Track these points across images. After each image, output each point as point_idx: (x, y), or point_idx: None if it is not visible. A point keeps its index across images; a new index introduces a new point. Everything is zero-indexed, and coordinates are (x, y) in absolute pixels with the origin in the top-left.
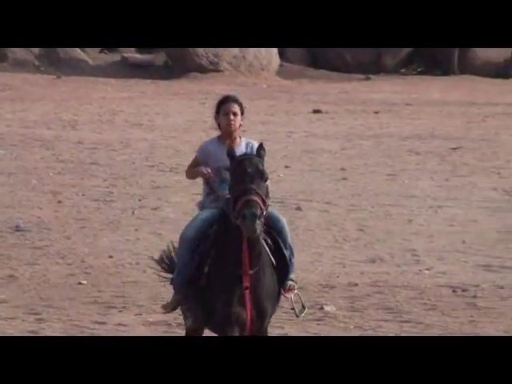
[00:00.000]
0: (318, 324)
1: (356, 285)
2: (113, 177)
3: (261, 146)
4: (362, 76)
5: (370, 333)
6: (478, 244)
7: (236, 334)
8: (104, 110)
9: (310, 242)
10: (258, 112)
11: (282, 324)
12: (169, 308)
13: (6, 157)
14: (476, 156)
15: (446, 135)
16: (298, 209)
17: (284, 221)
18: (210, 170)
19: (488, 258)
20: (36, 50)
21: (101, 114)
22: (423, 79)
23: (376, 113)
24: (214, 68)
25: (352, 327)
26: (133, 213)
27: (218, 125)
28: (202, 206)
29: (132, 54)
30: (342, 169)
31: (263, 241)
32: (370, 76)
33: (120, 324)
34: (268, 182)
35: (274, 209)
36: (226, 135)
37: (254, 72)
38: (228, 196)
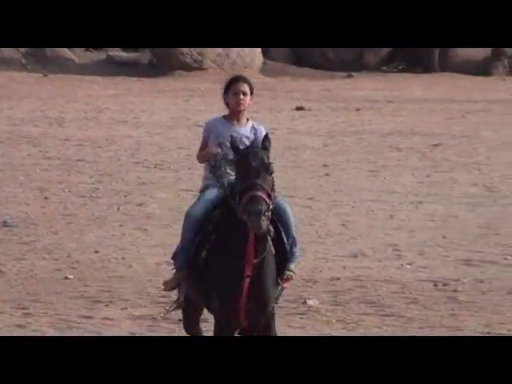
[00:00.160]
0: (301, 318)
1: (338, 279)
2: (99, 173)
3: (266, 138)
4: (344, 74)
5: (352, 326)
6: (458, 239)
7: (231, 324)
8: (90, 107)
9: None
10: None
11: None
12: (169, 286)
13: None
14: (456, 152)
15: (427, 132)
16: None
17: (290, 212)
18: (219, 150)
19: (468, 252)
20: (23, 49)
21: (87, 111)
22: (404, 77)
23: (358, 110)
24: (198, 66)
25: (334, 321)
26: (118, 209)
27: (227, 104)
28: (205, 185)
29: (117, 52)
30: (325, 165)
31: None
32: (352, 74)
33: (106, 318)
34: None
35: (282, 199)
36: (234, 114)
37: (238, 70)
38: (231, 177)
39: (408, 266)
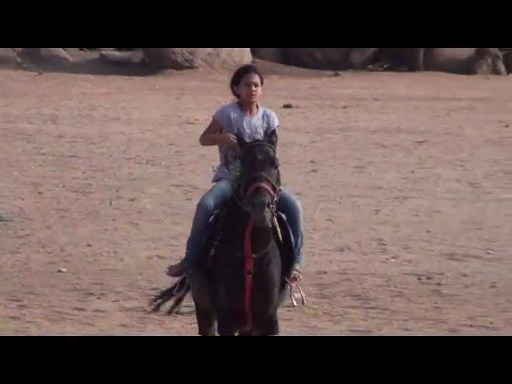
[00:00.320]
0: (289, 311)
1: (325, 273)
2: (91, 169)
3: (273, 133)
4: (331, 72)
5: (337, 319)
6: (442, 233)
7: (234, 323)
8: (83, 105)
9: None
10: None
11: None
12: (174, 271)
13: None
14: (441, 149)
15: (412, 129)
16: None
17: (300, 209)
18: (235, 137)
19: (452, 247)
20: (18, 48)
21: (80, 108)
22: (390, 75)
23: (344, 107)
24: (188, 65)
25: (321, 313)
26: (110, 203)
27: (237, 95)
28: (217, 177)
29: (110, 51)
30: (312, 161)
31: (275, 221)
32: (339, 72)
33: (98, 310)
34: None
35: (292, 194)
36: (246, 105)
37: (228, 69)
38: (236, 174)
39: (393, 260)
